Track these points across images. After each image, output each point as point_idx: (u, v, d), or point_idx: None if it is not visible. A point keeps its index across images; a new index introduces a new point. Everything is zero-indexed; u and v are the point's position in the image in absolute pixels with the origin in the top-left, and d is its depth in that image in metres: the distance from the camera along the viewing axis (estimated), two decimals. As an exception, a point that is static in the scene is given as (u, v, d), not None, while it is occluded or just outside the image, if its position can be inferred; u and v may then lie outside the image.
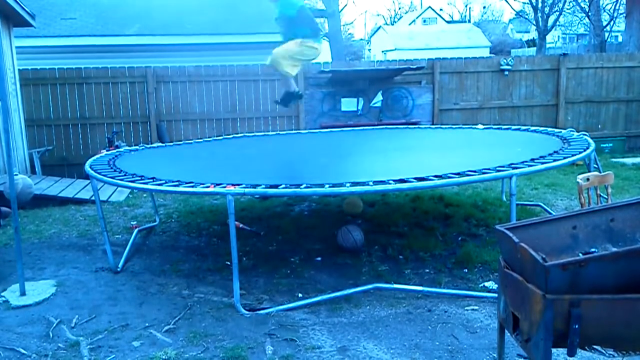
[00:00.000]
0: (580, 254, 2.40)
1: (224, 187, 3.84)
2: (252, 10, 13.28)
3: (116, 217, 6.54)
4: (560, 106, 10.21)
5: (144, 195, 7.42)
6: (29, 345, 3.33)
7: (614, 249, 2.43)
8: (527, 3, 27.44)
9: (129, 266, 4.79)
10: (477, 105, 10.07)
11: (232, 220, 3.74)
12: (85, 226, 6.11)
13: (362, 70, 9.50)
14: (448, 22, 49.04)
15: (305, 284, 4.27)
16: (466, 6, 53.18)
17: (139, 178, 4.39)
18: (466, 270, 4.43)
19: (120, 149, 6.49)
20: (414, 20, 49.38)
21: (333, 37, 23.85)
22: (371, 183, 3.79)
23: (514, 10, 33.57)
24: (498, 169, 3.97)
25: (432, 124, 9.53)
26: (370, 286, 4.04)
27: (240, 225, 5.36)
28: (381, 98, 9.67)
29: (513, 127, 6.98)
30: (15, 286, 4.17)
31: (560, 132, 5.90)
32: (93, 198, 5.28)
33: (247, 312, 3.72)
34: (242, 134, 8.49)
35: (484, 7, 53.51)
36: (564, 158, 4.29)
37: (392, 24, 50.00)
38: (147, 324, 3.59)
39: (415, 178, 3.79)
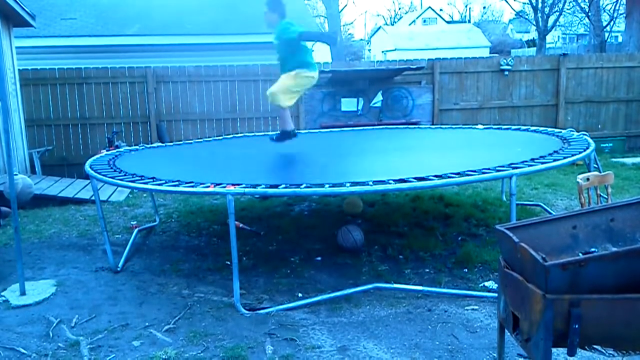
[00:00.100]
0: (580, 254, 2.40)
1: (224, 187, 3.84)
2: (252, 10, 13.25)
3: (116, 217, 6.54)
4: (560, 106, 10.22)
5: (144, 195, 7.42)
6: (29, 345, 3.33)
7: (614, 249, 2.43)
8: (527, 3, 27.46)
9: (129, 266, 4.79)
10: (477, 105, 10.07)
11: (232, 220, 3.74)
12: (85, 226, 6.12)
13: (362, 70, 9.50)
14: (448, 22, 49.05)
15: (305, 284, 4.27)
16: (466, 6, 53.25)
17: (139, 178, 4.39)
18: (466, 270, 4.43)
19: (120, 149, 6.49)
20: (414, 21, 49.39)
21: (333, 37, 23.82)
22: (371, 183, 3.80)
23: (514, 10, 33.67)
24: (498, 168, 3.97)
25: (432, 124, 9.53)
26: (370, 286, 4.04)
27: (240, 225, 5.36)
28: (381, 98, 9.67)
29: (513, 127, 6.98)
30: (15, 286, 4.18)
31: (560, 132, 5.90)
32: (93, 198, 5.28)
33: (247, 312, 3.72)
34: (242, 134, 8.49)
35: (484, 8, 53.62)
36: (564, 158, 4.29)
37: (392, 24, 50.01)
38: (147, 324, 3.59)
39: (415, 178, 3.79)
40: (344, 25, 37.01)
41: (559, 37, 39.30)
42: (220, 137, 7.94)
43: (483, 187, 7.22)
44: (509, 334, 2.35)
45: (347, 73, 9.36)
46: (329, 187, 3.77)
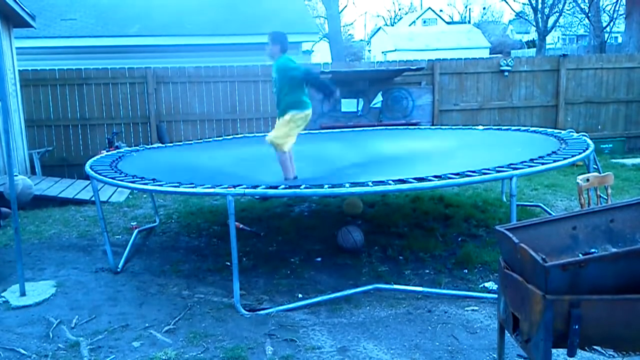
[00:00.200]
0: (580, 255, 2.40)
1: (224, 187, 3.84)
2: (252, 11, 13.29)
3: (116, 218, 6.54)
4: (560, 107, 10.22)
5: (144, 195, 7.42)
6: (29, 346, 3.33)
7: (614, 250, 2.43)
8: (527, 4, 27.45)
9: (129, 267, 4.79)
10: (477, 106, 10.07)
11: (232, 220, 3.74)
12: (85, 227, 6.12)
13: (362, 71, 9.50)
14: (448, 23, 49.04)
15: (305, 285, 4.27)
16: (466, 7, 53.23)
17: (139, 179, 4.39)
18: (466, 271, 4.43)
19: (121, 150, 6.49)
20: (414, 21, 49.40)
21: (333, 38, 23.89)
22: (371, 184, 3.80)
23: (514, 11, 33.63)
24: (498, 169, 3.98)
25: (432, 125, 9.53)
26: (370, 287, 4.04)
27: (241, 226, 5.36)
28: (381, 99, 9.67)
29: (513, 128, 6.98)
30: (15, 287, 4.18)
31: (560, 132, 5.90)
32: (93, 199, 5.28)
33: (247, 313, 3.72)
34: (242, 135, 8.49)
35: (484, 8, 53.51)
36: (564, 159, 4.30)
37: (392, 25, 50.00)
38: (147, 325, 3.59)
39: (414, 178, 3.80)
40: (344, 26, 37.00)
41: (558, 37, 39.31)
42: (220, 138, 7.94)
43: (483, 187, 7.22)
44: (509, 334, 2.35)
45: (347, 74, 9.37)
46: (329, 187, 3.78)
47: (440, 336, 3.33)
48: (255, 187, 3.85)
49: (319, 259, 4.83)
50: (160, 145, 7.59)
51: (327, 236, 5.29)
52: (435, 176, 3.82)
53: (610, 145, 10.18)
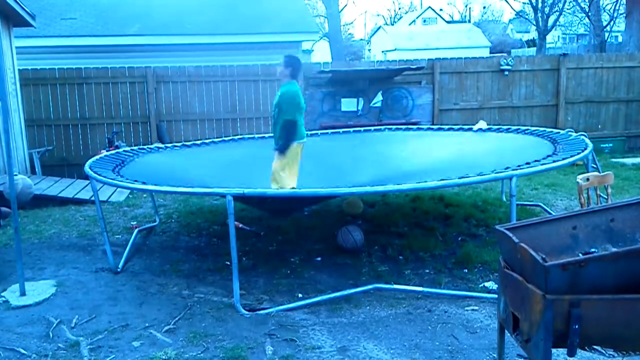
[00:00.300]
0: (580, 254, 2.40)
1: (224, 187, 3.84)
2: (252, 11, 13.28)
3: (116, 218, 6.54)
4: (560, 106, 10.21)
5: (144, 195, 7.42)
6: (29, 346, 3.33)
7: (614, 249, 2.43)
8: (527, 3, 27.43)
9: (129, 266, 4.79)
10: (477, 105, 10.07)
11: (231, 220, 3.74)
12: (85, 226, 6.11)
13: (362, 70, 9.50)
14: (448, 22, 49.02)
15: (305, 284, 4.27)
16: (466, 6, 53.18)
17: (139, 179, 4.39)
18: (466, 271, 4.43)
19: (120, 150, 6.48)
20: (414, 21, 49.35)
21: (333, 37, 23.88)
22: (371, 184, 3.80)
23: (514, 10, 33.58)
24: (498, 169, 3.97)
25: (432, 124, 9.53)
26: (370, 286, 4.04)
27: (240, 226, 5.36)
28: (381, 98, 9.67)
29: (513, 127, 6.98)
30: (15, 286, 4.18)
31: (559, 132, 5.90)
32: (93, 198, 5.28)
33: (247, 312, 3.72)
34: (241, 135, 8.49)
35: (484, 7, 53.53)
36: (563, 159, 4.30)
37: (392, 24, 49.97)
38: (147, 324, 3.59)
39: (415, 180, 3.79)
40: (344, 25, 36.97)
41: (559, 37, 39.27)
42: (220, 139, 7.93)
43: (483, 187, 7.22)
44: (509, 334, 2.35)
45: (347, 73, 9.36)
46: (329, 187, 3.77)
47: (440, 336, 3.33)
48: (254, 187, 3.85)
49: (319, 259, 4.83)
50: (160, 145, 7.58)
51: (327, 236, 5.29)
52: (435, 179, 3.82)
53: (611, 145, 10.18)
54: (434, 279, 4.29)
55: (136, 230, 5.72)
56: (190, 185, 4.25)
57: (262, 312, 3.74)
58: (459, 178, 3.86)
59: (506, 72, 10.06)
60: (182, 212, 6.71)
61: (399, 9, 56.35)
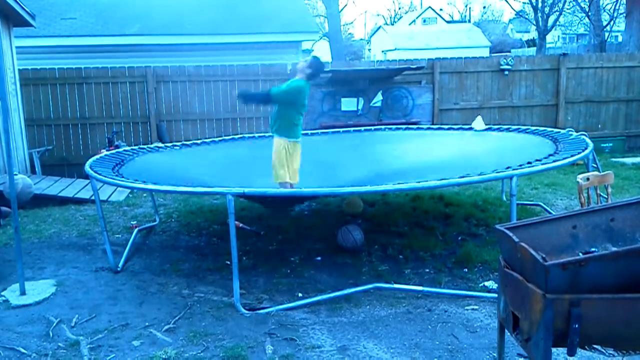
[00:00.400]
0: (580, 254, 2.40)
1: (224, 186, 3.84)
2: (252, 11, 13.27)
3: (116, 217, 6.54)
4: (560, 106, 10.21)
5: (144, 195, 7.42)
6: (29, 345, 3.33)
7: (614, 249, 2.43)
8: (527, 3, 27.42)
9: (129, 266, 4.79)
10: (477, 105, 10.06)
11: (232, 219, 3.74)
12: (85, 226, 6.11)
13: (362, 70, 9.49)
14: (448, 22, 49.01)
15: (305, 284, 4.27)
16: (466, 6, 53.17)
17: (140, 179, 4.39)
18: (466, 270, 4.43)
19: (120, 149, 6.48)
20: (414, 20, 49.34)
21: (333, 37, 23.87)
22: (371, 183, 3.80)
23: (514, 10, 33.55)
24: (498, 169, 3.97)
25: (432, 124, 9.52)
26: (370, 286, 4.04)
27: (240, 225, 5.35)
28: (381, 98, 9.66)
29: (513, 127, 6.98)
30: (15, 286, 4.18)
31: (559, 132, 5.90)
32: (93, 198, 5.28)
33: (247, 312, 3.72)
34: (242, 134, 8.49)
35: (484, 7, 53.43)
36: (564, 158, 4.30)
37: (392, 24, 49.95)
38: (147, 324, 3.59)
39: (415, 179, 3.79)
40: (344, 25, 36.97)
41: (559, 36, 39.26)
42: (220, 138, 7.93)
43: (483, 187, 7.22)
44: (509, 333, 2.35)
45: (347, 73, 9.36)
46: (329, 187, 3.77)
47: (440, 335, 3.33)
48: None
49: (319, 258, 4.83)
50: (160, 145, 7.58)
51: (327, 235, 5.29)
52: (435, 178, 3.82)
53: (611, 144, 10.18)
54: (434, 279, 4.29)
55: (136, 230, 5.72)
56: (190, 184, 4.25)
57: (262, 311, 3.74)
58: (459, 177, 3.86)
59: (506, 72, 10.06)
60: (182, 212, 6.71)
61: (399, 8, 56.31)
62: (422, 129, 7.91)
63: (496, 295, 2.70)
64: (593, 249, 2.47)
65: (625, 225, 2.56)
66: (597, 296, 2.01)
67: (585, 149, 4.60)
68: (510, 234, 2.28)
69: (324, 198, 6.80)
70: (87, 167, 4.98)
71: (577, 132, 5.62)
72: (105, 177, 4.61)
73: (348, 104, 9.64)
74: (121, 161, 5.54)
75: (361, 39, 49.40)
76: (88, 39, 11.80)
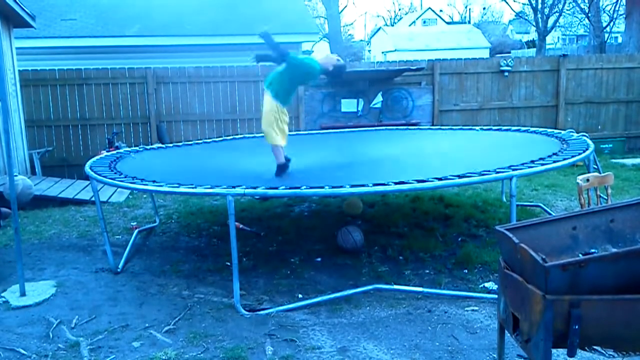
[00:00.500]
0: (580, 255, 2.40)
1: (224, 187, 3.84)
2: (252, 11, 13.28)
3: (116, 218, 6.54)
4: (560, 107, 10.22)
5: (144, 196, 7.42)
6: (29, 346, 3.33)
7: (614, 250, 2.43)
8: (527, 4, 27.45)
9: (129, 267, 4.79)
10: (477, 106, 10.07)
11: (232, 221, 3.74)
12: (85, 227, 6.11)
13: (362, 71, 9.50)
14: (448, 23, 49.01)
15: (305, 285, 4.27)
16: (466, 7, 53.20)
17: (139, 179, 4.39)
18: (466, 271, 4.43)
19: (121, 150, 6.49)
20: (413, 22, 49.36)
21: (333, 38, 23.90)
22: (371, 184, 3.80)
23: (514, 11, 33.63)
24: (498, 170, 3.98)
25: (432, 125, 9.53)
26: (370, 287, 4.04)
27: (240, 226, 5.36)
28: (381, 99, 9.67)
29: (513, 128, 6.98)
30: (15, 287, 4.18)
31: (560, 133, 5.90)
32: (93, 199, 5.28)
33: (247, 313, 3.72)
34: (242, 135, 8.49)
35: (484, 8, 53.49)
36: (564, 159, 4.30)
37: (392, 25, 49.98)
38: (147, 325, 3.59)
39: (415, 179, 3.79)
40: (344, 26, 37.02)
41: (558, 38, 39.30)
42: (220, 138, 7.94)
43: (483, 187, 7.22)
44: (509, 334, 2.35)
45: (347, 74, 9.34)
46: (329, 188, 3.78)
47: (440, 336, 3.33)
48: (255, 187, 3.85)
49: (319, 259, 4.83)
50: (160, 145, 7.59)
51: (327, 236, 5.29)
52: (435, 177, 3.82)
53: (610, 146, 10.18)
54: (434, 280, 4.29)
55: (136, 231, 5.72)
56: (190, 185, 4.25)
57: (262, 312, 3.74)
58: (459, 178, 3.86)
59: (506, 73, 10.07)
60: (182, 213, 6.71)
61: (399, 10, 56.44)
62: (422, 130, 7.91)
63: (496, 296, 2.70)
64: (593, 250, 2.47)
65: (625, 227, 2.56)
66: (597, 297, 2.01)
67: (586, 149, 4.60)
68: (510, 235, 2.29)
69: (323, 199, 6.80)
70: (87, 168, 4.98)
71: (577, 133, 5.63)
72: (105, 177, 4.62)
73: (348, 105, 9.65)
74: (118, 157, 5.55)
75: (361, 40, 49.44)
76: (88, 40, 11.81)
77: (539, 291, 2.03)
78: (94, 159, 5.62)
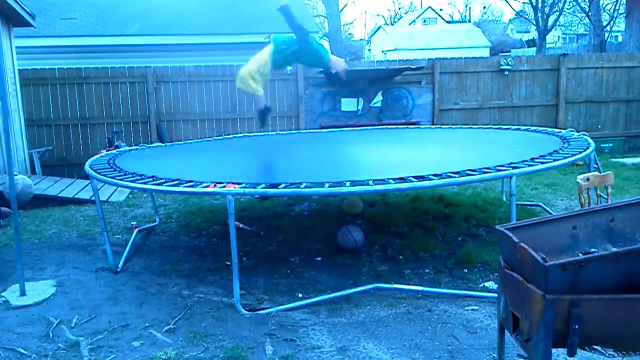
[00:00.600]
0: (580, 254, 2.40)
1: (224, 187, 3.84)
2: (252, 11, 13.28)
3: (116, 217, 6.54)
4: (560, 106, 10.22)
5: (144, 195, 7.42)
6: (29, 346, 3.33)
7: (614, 249, 2.43)
8: (527, 3, 27.45)
9: (129, 266, 4.79)
10: (477, 105, 10.07)
11: (232, 220, 3.74)
12: (85, 226, 6.11)
13: (362, 70, 9.50)
14: (448, 22, 49.01)
15: (305, 284, 4.27)
16: (466, 6, 53.20)
17: (139, 178, 4.38)
18: (466, 270, 4.43)
19: (121, 149, 6.49)
20: (414, 21, 49.35)
21: (333, 37, 23.88)
22: (371, 183, 3.79)
23: (514, 10, 33.59)
24: (498, 168, 3.97)
25: (432, 124, 9.53)
26: (370, 286, 4.04)
27: (240, 225, 5.36)
28: (381, 98, 9.67)
29: (513, 127, 6.98)
30: (15, 286, 4.17)
31: (560, 132, 5.90)
32: (93, 198, 5.28)
33: (247, 312, 3.72)
34: (242, 134, 8.49)
35: (484, 7, 53.58)
36: (564, 158, 4.29)
37: (392, 24, 49.97)
38: (147, 324, 3.59)
39: (414, 177, 3.79)
40: (344, 25, 37.00)
41: (559, 37, 39.27)
42: (221, 137, 7.94)
43: (483, 187, 7.22)
44: (509, 334, 2.35)
45: (347, 73, 9.34)
46: (329, 187, 3.77)
47: (440, 336, 3.33)
48: (255, 186, 3.84)
49: (319, 259, 4.83)
50: (160, 144, 7.59)
51: (327, 235, 5.29)
52: (435, 175, 3.82)
53: (611, 145, 10.18)
54: (434, 279, 4.29)
55: (136, 230, 5.72)
56: (190, 184, 4.24)
57: (262, 312, 3.73)
58: (459, 177, 3.86)
59: (506, 72, 10.07)
60: (182, 212, 6.71)
61: (399, 8, 56.41)
62: (421, 129, 7.90)
63: (496, 295, 2.70)
64: (593, 250, 2.47)
65: (625, 226, 2.56)
66: (597, 297, 2.01)
67: (587, 148, 4.59)
68: (510, 235, 2.28)
69: (323, 198, 6.80)
70: (87, 167, 4.98)
71: (577, 132, 5.62)
72: (105, 177, 4.61)
73: (348, 104, 9.64)
74: (116, 155, 5.54)
75: (361, 39, 49.45)
76: (88, 39, 11.81)
77: (539, 291, 2.03)
78: (94, 158, 5.61)
